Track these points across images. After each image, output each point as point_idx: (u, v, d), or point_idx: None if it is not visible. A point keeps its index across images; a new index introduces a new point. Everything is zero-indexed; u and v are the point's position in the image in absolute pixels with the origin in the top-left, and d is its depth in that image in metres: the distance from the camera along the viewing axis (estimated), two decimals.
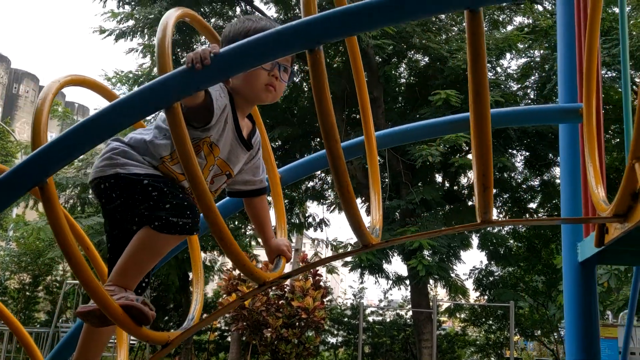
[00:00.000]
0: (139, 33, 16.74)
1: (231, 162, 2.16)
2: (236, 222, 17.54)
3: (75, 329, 2.36)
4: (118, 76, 17.73)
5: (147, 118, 2.09)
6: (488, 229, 18.78)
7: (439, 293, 23.60)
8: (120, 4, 16.51)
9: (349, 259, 18.45)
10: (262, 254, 18.82)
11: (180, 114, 1.43)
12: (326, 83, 1.38)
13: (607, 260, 2.60)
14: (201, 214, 1.61)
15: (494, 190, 19.18)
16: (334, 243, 21.50)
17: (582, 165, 2.50)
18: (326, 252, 23.91)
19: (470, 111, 1.38)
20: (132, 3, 16.54)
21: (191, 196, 2.06)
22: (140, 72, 17.46)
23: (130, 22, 16.35)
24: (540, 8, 19.06)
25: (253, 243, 18.63)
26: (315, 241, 22.24)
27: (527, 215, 19.37)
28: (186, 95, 1.44)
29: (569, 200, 2.68)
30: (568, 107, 2.41)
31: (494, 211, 19.52)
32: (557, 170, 18.86)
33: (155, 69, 17.74)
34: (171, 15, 1.63)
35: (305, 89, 17.23)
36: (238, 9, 18.39)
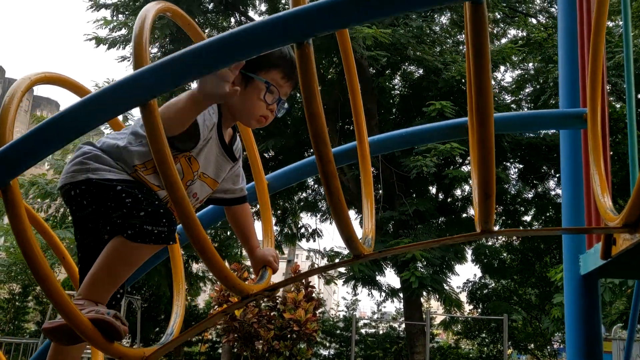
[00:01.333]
0: (132, 42, 16.59)
1: (218, 177, 2.10)
2: (228, 232, 17.37)
3: (46, 346, 2.22)
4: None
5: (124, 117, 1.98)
6: (482, 241, 18.71)
7: (432, 305, 23.47)
8: (115, 13, 16.42)
9: (342, 270, 18.32)
10: None
11: (156, 112, 1.31)
12: (315, 81, 1.27)
13: (612, 274, 2.49)
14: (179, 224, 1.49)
15: None
16: (331, 253, 21.35)
17: (585, 173, 2.40)
18: (321, 263, 23.73)
19: (472, 114, 1.28)
20: (126, 12, 16.46)
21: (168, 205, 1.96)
22: None
23: (124, 31, 16.26)
24: (534, 21, 19.11)
25: (245, 253, 18.46)
26: (310, 252, 22.06)
27: (521, 228, 19.30)
28: (163, 91, 1.32)
29: (571, 209, 2.57)
30: (571, 112, 2.31)
31: None
32: (551, 183, 18.84)
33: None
34: (150, 9, 1.53)
35: (299, 100, 17.17)
36: (233, 20, 18.35)
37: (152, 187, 1.91)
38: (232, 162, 2.12)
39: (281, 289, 15.24)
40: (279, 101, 2.07)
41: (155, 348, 1.64)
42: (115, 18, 16.32)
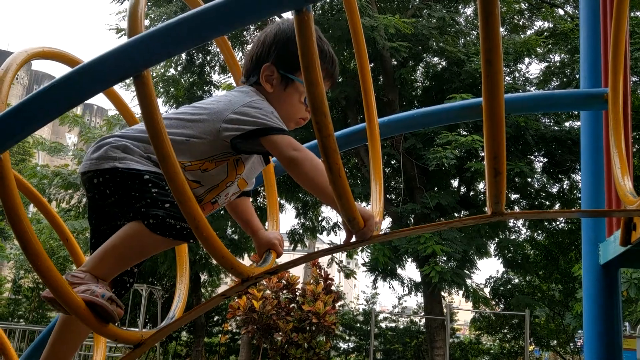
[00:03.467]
0: None
1: (249, 179, 2.07)
2: None
3: (50, 329, 2.19)
4: None
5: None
6: (505, 235, 18.47)
7: (454, 300, 23.30)
8: None
9: (363, 260, 18.20)
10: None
11: (150, 84, 1.26)
12: (315, 49, 1.20)
13: (633, 263, 2.38)
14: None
15: (513, 196, 19.01)
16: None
17: (605, 157, 2.30)
18: (341, 256, 23.69)
19: (482, 86, 1.20)
20: (149, 4, 16.51)
21: (198, 202, 1.92)
22: (152, 73, 17.42)
23: (146, 22, 16.30)
24: (561, 12, 18.75)
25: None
26: (331, 245, 22.03)
27: (546, 223, 19.01)
28: (157, 61, 1.27)
29: (591, 194, 2.46)
30: (592, 92, 2.20)
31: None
32: (577, 177, 18.53)
33: (171, 70, 17.75)
34: None
35: None
36: None
37: (189, 183, 1.81)
38: (264, 165, 2.09)
39: (300, 282, 15.26)
40: None
41: (154, 331, 1.59)
42: None
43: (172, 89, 17.30)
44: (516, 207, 19.50)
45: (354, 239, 1.57)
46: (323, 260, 18.89)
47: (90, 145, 1.91)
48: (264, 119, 1.82)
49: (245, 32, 18.11)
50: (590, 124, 2.48)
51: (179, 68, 17.88)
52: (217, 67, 18.17)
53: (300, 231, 19.36)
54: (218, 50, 18.58)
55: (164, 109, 18.03)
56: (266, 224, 2.14)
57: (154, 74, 17.32)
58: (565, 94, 2.60)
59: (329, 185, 1.38)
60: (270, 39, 2.01)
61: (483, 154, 16.69)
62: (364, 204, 15.95)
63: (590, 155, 2.46)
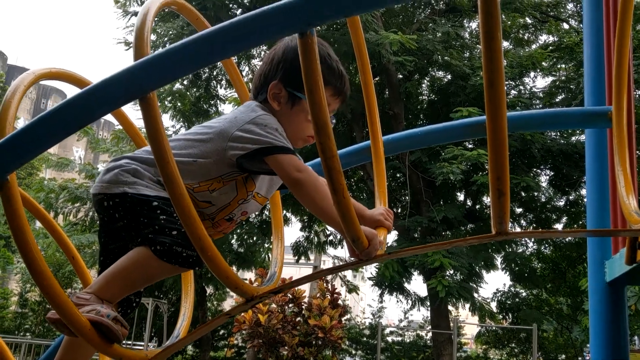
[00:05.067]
0: (160, 48, 16.85)
1: (269, 194, 2.05)
2: (254, 237, 17.39)
3: (57, 344, 2.20)
4: None
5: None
6: (512, 248, 18.38)
7: (461, 314, 23.18)
8: None
9: (369, 273, 18.11)
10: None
11: (155, 106, 1.27)
12: (319, 72, 1.22)
13: (639, 281, 2.37)
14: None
15: (519, 210, 18.93)
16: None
17: (610, 175, 2.29)
18: (347, 271, 23.62)
19: (486, 109, 1.21)
20: (156, 19, 16.65)
21: (211, 221, 1.93)
22: (162, 88, 17.52)
23: (153, 37, 16.44)
24: (566, 26, 18.78)
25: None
26: (335, 259, 21.98)
27: (553, 238, 18.91)
28: (163, 84, 1.28)
29: (596, 212, 2.45)
30: (596, 110, 2.20)
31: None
32: (583, 191, 18.44)
33: (177, 84, 17.85)
34: (154, 1, 1.49)
35: None
36: None
37: (199, 204, 1.86)
38: None
39: (307, 296, 15.21)
40: None
41: (159, 350, 1.60)
42: None
43: (178, 103, 17.39)
44: (522, 221, 19.43)
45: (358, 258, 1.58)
46: (329, 277, 18.80)
47: (104, 166, 1.93)
48: (269, 138, 1.81)
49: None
50: (595, 142, 2.48)
51: (185, 82, 17.98)
52: (223, 82, 18.27)
53: (305, 244, 19.33)
54: None
55: (170, 123, 18.13)
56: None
57: (162, 89, 17.43)
58: (569, 112, 2.60)
59: (332, 207, 1.38)
60: (279, 57, 2.00)
61: (488, 167, 16.65)
62: None
63: (595, 173, 2.46)
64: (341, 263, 22.38)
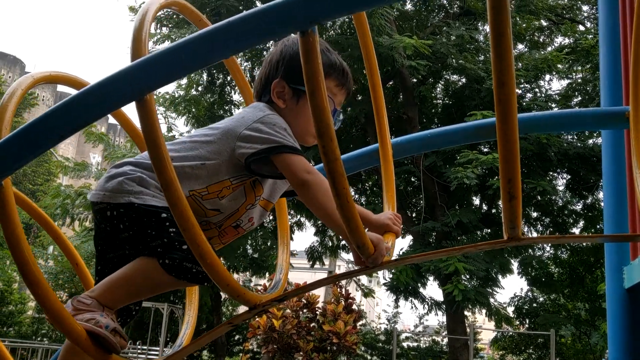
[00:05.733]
0: None
1: (273, 198, 1.98)
2: (269, 243, 17.36)
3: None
4: (155, 97, 17.90)
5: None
6: (528, 252, 18.18)
7: (477, 319, 22.99)
8: (158, 26, 16.72)
9: (384, 279, 17.98)
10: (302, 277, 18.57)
11: (152, 109, 1.23)
12: (321, 72, 1.17)
13: None
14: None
15: (535, 214, 18.73)
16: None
17: (628, 178, 2.22)
18: (362, 276, 23.50)
19: (495, 109, 1.16)
20: (170, 25, 16.74)
21: (218, 229, 1.86)
22: (177, 93, 17.61)
23: (167, 43, 16.52)
24: (582, 28, 18.59)
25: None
26: (349, 264, 21.89)
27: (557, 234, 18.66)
28: (159, 85, 1.24)
29: (613, 217, 2.37)
30: (612, 110, 2.12)
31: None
32: (601, 194, 18.21)
33: (192, 91, 17.92)
34: (153, 2, 1.45)
35: None
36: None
37: (207, 212, 1.80)
38: (289, 183, 1.98)
39: (321, 301, 15.14)
40: (334, 112, 1.93)
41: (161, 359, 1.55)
42: (158, 31, 16.60)
43: (193, 109, 17.45)
44: (539, 225, 19.21)
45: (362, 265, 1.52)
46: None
47: (105, 173, 1.87)
48: (277, 137, 1.75)
49: (265, 52, 18.28)
50: (612, 145, 2.40)
51: (200, 88, 18.06)
52: (237, 87, 18.29)
53: (320, 249, 19.27)
54: None
55: (186, 128, 18.19)
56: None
57: (176, 95, 17.51)
58: (585, 113, 2.52)
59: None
60: (277, 56, 1.95)
61: None
62: None
63: (613, 176, 2.38)
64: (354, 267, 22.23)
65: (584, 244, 18.93)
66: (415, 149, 2.26)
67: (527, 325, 20.44)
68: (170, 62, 1.19)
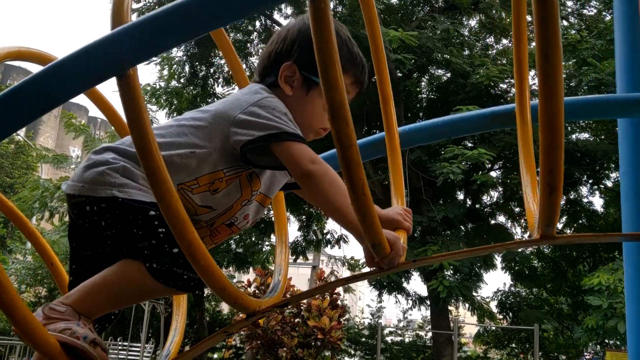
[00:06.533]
0: None
1: (271, 192, 1.77)
2: (253, 238, 17.16)
3: None
4: None
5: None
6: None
7: (461, 314, 23.02)
8: (139, 17, 16.39)
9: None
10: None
11: (137, 86, 1.05)
12: (334, 44, 1.00)
13: None
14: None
15: (517, 209, 18.77)
16: (351, 262, 21.02)
17: None
18: (342, 270, 23.41)
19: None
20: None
21: (209, 228, 1.65)
22: (158, 85, 17.31)
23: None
24: (565, 23, 18.60)
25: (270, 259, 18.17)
26: (332, 259, 21.78)
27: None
28: (145, 58, 1.06)
29: (632, 212, 2.23)
30: (632, 97, 1.98)
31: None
32: (583, 190, 18.27)
33: (173, 82, 17.62)
34: None
35: None
36: (258, 23, 18.20)
37: (197, 208, 1.59)
38: (289, 176, 1.79)
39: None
40: None
41: None
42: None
43: (175, 101, 17.17)
44: (522, 220, 19.25)
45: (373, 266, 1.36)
46: (327, 275, 18.58)
47: (83, 161, 1.64)
48: (277, 122, 1.55)
49: (249, 45, 18.01)
50: (629, 135, 2.26)
51: (182, 80, 17.77)
52: (220, 80, 18.05)
53: (303, 244, 19.12)
54: (222, 62, 18.51)
55: (166, 121, 17.88)
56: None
57: (157, 87, 17.20)
58: (603, 100, 2.34)
59: (350, 206, 1.16)
60: (294, 34, 1.73)
61: (489, 165, 16.54)
62: None
63: (630, 169, 2.23)
64: (338, 264, 22.19)
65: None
66: (424, 138, 2.10)
67: (510, 320, 20.49)
68: (158, 29, 1.01)
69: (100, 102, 1.86)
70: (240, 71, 1.96)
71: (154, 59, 17.54)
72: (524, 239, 1.24)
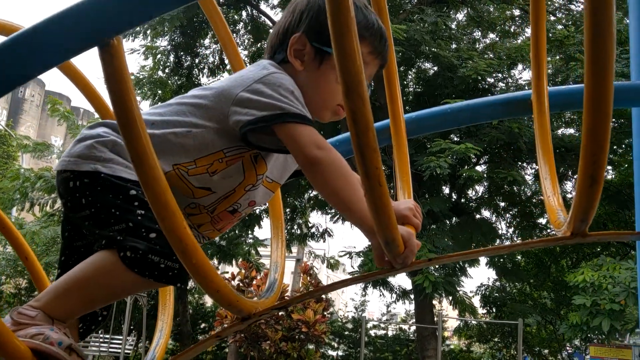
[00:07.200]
0: (141, 34, 16.38)
1: (282, 178, 1.64)
2: (237, 230, 17.00)
3: None
4: None
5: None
6: (495, 243, 18.23)
7: (444, 308, 23.08)
8: None
9: (352, 268, 17.87)
10: (267, 264, 18.28)
11: (122, 58, 0.91)
12: (350, 9, 0.87)
13: None
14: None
15: (502, 204, 18.83)
16: (332, 261, 20.97)
17: None
18: (320, 268, 23.31)
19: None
20: None
21: (210, 214, 1.51)
22: (141, 75, 17.04)
23: None
24: (552, 18, 18.60)
25: (252, 252, 18.01)
26: (312, 254, 21.72)
27: (537, 232, 18.77)
28: (134, 23, 0.92)
29: None
30: None
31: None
32: (568, 185, 18.33)
33: (159, 72, 17.37)
34: None
35: None
36: (244, 13, 17.99)
37: (194, 190, 1.46)
38: None
39: (289, 287, 14.84)
40: None
41: None
42: None
43: (159, 91, 16.93)
44: (508, 215, 19.30)
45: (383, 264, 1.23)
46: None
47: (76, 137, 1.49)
48: (282, 102, 1.40)
49: (235, 35, 17.79)
50: None
51: (166, 70, 17.53)
52: (205, 70, 17.84)
53: (287, 237, 19.00)
54: (207, 52, 18.30)
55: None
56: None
57: (141, 76, 16.94)
58: (617, 88, 2.23)
59: (359, 197, 1.04)
60: (302, 6, 1.59)
61: (475, 160, 16.51)
62: None
63: None
64: (320, 258, 22.08)
65: (552, 233, 19.07)
66: (433, 126, 1.98)
67: (493, 314, 20.59)
68: None
69: (81, 83, 1.70)
70: (230, 43, 1.82)
71: (137, 47, 17.31)
72: (554, 237, 1.11)
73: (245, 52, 17.51)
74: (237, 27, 17.90)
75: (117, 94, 0.92)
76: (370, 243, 1.29)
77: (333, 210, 18.46)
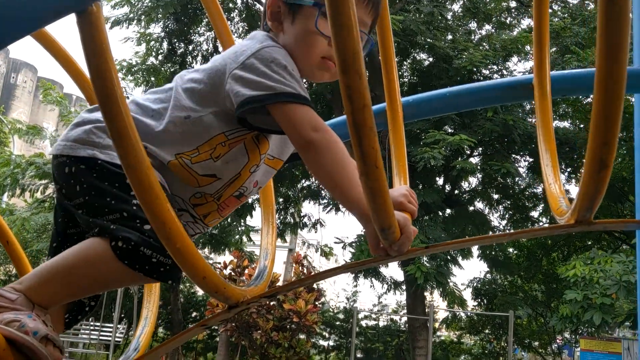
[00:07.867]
0: (135, 21, 16.21)
1: (283, 154, 1.58)
2: (229, 219, 16.94)
3: None
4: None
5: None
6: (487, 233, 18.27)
7: (435, 299, 23.15)
8: None
9: (344, 257, 17.84)
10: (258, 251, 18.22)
11: (101, 27, 0.85)
12: None
13: None
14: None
15: (496, 196, 18.84)
16: (325, 249, 20.95)
17: None
18: (314, 256, 23.32)
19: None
20: None
21: (217, 202, 1.45)
22: (135, 61, 16.89)
23: (126, 9, 15.76)
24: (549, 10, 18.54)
25: (244, 239, 17.92)
26: (306, 243, 21.70)
27: (529, 224, 18.81)
28: None
29: None
30: None
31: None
32: (561, 178, 18.35)
33: (151, 58, 17.21)
34: None
35: None
36: (239, 1, 17.84)
37: (199, 179, 1.40)
38: None
39: (281, 277, 14.79)
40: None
41: None
42: None
43: (152, 78, 16.79)
44: (501, 207, 19.32)
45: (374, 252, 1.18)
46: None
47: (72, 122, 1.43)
48: (274, 79, 1.32)
49: (229, 22, 17.64)
50: None
51: (159, 57, 17.38)
52: (199, 57, 17.71)
53: (280, 226, 18.96)
54: (200, 39, 18.14)
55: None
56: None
57: (134, 63, 16.79)
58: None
59: (355, 181, 0.98)
60: None
61: (468, 152, 16.46)
62: None
63: None
64: (312, 246, 22.07)
65: (542, 226, 19.13)
66: (430, 110, 1.92)
67: (484, 306, 20.66)
68: None
69: (59, 54, 1.62)
70: (225, 30, 1.75)
71: (131, 35, 17.12)
72: (558, 225, 1.06)
73: (240, 40, 17.40)
74: (232, 15, 17.76)
75: (96, 65, 0.86)
76: (364, 231, 1.23)
77: (325, 201, 18.44)
